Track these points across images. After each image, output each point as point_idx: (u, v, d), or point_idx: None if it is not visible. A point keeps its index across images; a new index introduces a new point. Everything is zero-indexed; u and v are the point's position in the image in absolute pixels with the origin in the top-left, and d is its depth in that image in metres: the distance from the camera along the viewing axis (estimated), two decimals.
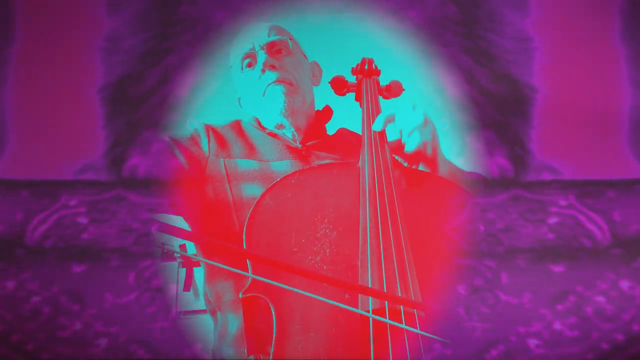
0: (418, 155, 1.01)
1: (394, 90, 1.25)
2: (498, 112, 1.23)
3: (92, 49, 1.24)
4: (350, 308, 0.72)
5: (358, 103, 1.23)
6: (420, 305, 0.75)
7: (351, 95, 1.26)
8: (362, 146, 1.01)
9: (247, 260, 0.79)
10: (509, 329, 0.98)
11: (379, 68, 1.28)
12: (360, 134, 1.28)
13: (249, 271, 0.78)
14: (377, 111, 1.12)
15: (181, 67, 1.29)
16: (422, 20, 1.30)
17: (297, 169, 0.98)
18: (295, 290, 0.72)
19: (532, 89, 1.23)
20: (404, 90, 1.26)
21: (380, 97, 1.20)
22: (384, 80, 1.26)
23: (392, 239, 0.81)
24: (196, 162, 1.10)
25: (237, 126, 1.22)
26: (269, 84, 1.16)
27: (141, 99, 1.24)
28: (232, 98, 1.30)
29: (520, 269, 1.06)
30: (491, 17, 1.27)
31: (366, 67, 1.26)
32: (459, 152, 1.20)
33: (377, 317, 0.71)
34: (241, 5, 1.34)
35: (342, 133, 1.28)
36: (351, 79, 1.27)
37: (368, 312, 0.72)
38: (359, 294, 0.75)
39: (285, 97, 1.15)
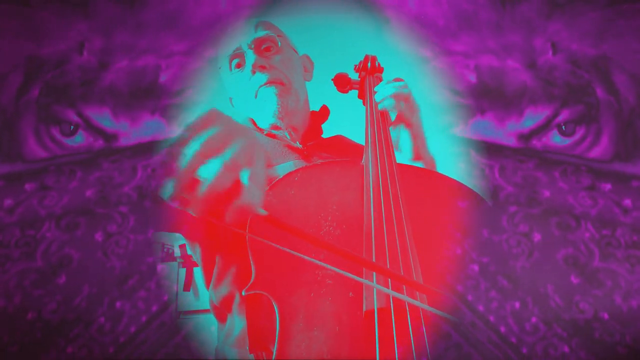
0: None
1: None
2: None
3: None
4: (356, 278, 0.71)
5: (361, 101, 1.22)
6: (424, 287, 0.74)
7: (354, 93, 1.25)
8: (366, 143, 1.00)
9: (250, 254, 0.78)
10: None
11: (381, 65, 1.27)
12: (359, 143, 1.28)
13: (252, 269, 0.77)
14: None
15: None
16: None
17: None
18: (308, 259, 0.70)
19: None
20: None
21: None
22: (387, 77, 1.25)
23: (397, 236, 0.80)
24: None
25: None
26: (260, 86, 1.14)
27: None
28: None
29: None
30: None
31: (369, 64, 1.25)
32: None
33: (381, 287, 0.71)
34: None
35: (340, 140, 1.26)
36: (354, 76, 1.26)
37: (372, 308, 0.71)
38: (364, 294, 0.74)
39: (278, 99, 1.13)
